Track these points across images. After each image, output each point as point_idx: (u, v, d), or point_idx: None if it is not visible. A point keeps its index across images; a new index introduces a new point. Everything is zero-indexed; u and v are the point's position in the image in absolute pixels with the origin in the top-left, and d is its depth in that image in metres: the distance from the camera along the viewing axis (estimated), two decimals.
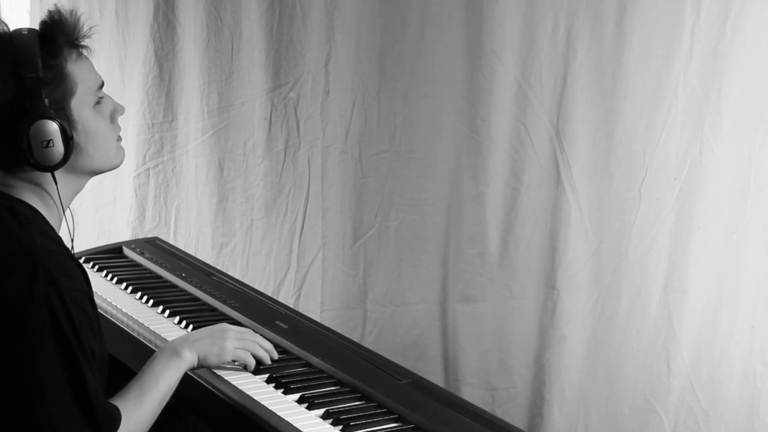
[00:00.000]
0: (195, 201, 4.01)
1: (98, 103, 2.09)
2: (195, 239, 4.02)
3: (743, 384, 3.17)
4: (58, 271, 1.91)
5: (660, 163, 3.27)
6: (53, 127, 1.97)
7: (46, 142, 1.96)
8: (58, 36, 2.03)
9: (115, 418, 1.98)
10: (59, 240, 2.02)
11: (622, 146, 3.33)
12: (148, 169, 3.99)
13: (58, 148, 1.98)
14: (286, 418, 2.11)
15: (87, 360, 1.92)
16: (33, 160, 1.97)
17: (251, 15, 3.85)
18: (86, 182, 2.14)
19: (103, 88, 2.13)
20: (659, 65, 3.23)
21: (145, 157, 3.99)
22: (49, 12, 2.06)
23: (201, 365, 2.24)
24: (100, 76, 2.12)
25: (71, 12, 2.07)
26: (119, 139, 2.15)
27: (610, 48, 3.32)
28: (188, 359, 2.20)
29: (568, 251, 3.47)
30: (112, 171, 2.19)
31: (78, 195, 2.16)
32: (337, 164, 3.86)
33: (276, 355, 2.38)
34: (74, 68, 2.04)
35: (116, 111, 2.13)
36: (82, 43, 2.08)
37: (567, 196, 3.45)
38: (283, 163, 3.91)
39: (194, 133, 3.97)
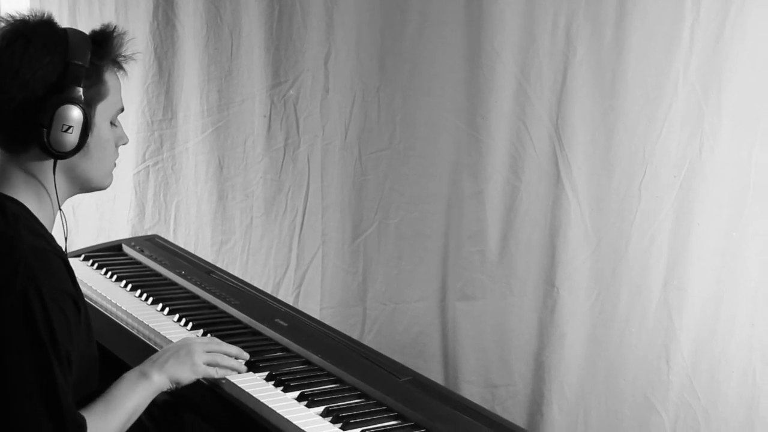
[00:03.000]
0: (195, 198, 4.01)
1: (114, 124, 2.14)
2: (195, 237, 4.03)
3: (743, 382, 3.17)
4: (41, 268, 1.90)
5: (659, 161, 3.27)
6: (78, 115, 2.00)
7: (66, 127, 1.98)
8: (108, 44, 2.09)
9: (82, 425, 1.95)
10: (48, 237, 2.02)
11: (621, 144, 3.33)
12: (148, 166, 4.00)
13: (74, 137, 2.00)
14: (285, 416, 2.11)
15: (60, 362, 1.90)
16: (47, 139, 1.98)
17: (251, 12, 3.85)
18: (74, 193, 2.14)
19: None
20: (659, 63, 3.23)
21: (144, 154, 3.99)
22: (104, 24, 2.12)
23: (176, 386, 2.21)
24: (122, 103, 2.16)
25: (123, 32, 2.13)
26: (114, 165, 2.18)
27: (609, 46, 3.32)
28: (157, 381, 2.17)
29: (567, 249, 3.47)
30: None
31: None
32: (337, 162, 3.86)
33: (246, 355, 2.35)
34: (110, 79, 2.10)
35: (121, 139, 2.17)
36: (124, 64, 2.14)
37: (567, 193, 3.45)
38: (283, 161, 3.91)
39: (194, 131, 3.97)
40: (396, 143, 3.76)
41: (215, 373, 2.27)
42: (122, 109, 2.16)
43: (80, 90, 2.00)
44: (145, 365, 2.20)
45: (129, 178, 4.00)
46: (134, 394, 2.13)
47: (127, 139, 2.20)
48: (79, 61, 2.00)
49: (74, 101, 1.99)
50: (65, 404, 1.90)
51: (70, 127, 1.99)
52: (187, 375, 2.22)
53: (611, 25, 3.31)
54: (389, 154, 3.78)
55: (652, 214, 3.30)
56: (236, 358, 2.33)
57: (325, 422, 2.12)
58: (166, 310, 2.64)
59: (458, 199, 3.69)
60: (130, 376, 2.16)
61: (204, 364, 2.25)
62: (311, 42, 3.81)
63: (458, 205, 3.69)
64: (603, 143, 3.37)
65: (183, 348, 2.25)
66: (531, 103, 3.49)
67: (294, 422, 2.09)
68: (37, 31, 2.01)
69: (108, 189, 2.41)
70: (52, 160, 2.03)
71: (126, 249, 3.10)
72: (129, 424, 2.12)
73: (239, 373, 2.31)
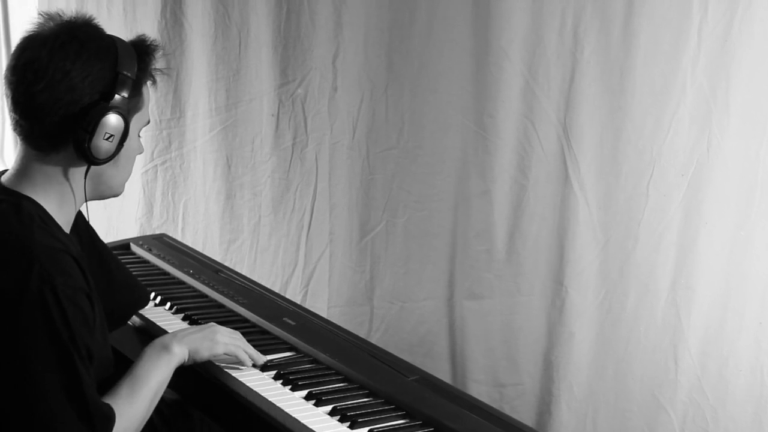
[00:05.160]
0: (203, 197, 4.02)
1: (139, 136, 2.16)
2: (203, 236, 4.03)
3: (751, 380, 3.17)
4: (55, 267, 1.91)
5: (667, 160, 3.27)
6: (121, 125, 2.01)
7: (108, 135, 1.99)
8: (148, 57, 2.10)
9: (110, 417, 1.97)
10: (61, 237, 2.02)
11: (629, 143, 3.33)
12: (156, 165, 4.00)
13: (112, 146, 2.02)
14: (293, 415, 2.11)
15: (81, 358, 1.91)
16: (88, 145, 1.98)
17: (259, 11, 3.85)
18: (92, 199, 2.14)
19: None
20: (667, 62, 3.23)
21: (153, 153, 3.99)
22: (141, 36, 2.12)
23: (192, 359, 2.23)
24: (149, 115, 2.18)
25: (160, 45, 2.15)
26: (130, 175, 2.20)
27: (617, 44, 3.32)
28: (178, 354, 2.19)
29: (575, 248, 3.47)
30: None
31: None
32: (345, 161, 3.86)
33: (262, 360, 2.36)
34: (146, 91, 2.11)
35: (139, 150, 2.19)
36: (157, 76, 2.15)
37: (574, 192, 3.45)
38: (291, 160, 3.91)
39: (202, 130, 3.97)
40: (404, 142, 3.77)
41: (235, 350, 2.29)
42: (148, 122, 2.18)
43: (125, 100, 2.01)
44: (165, 338, 2.22)
45: (137, 177, 4.00)
46: (157, 370, 2.15)
47: (143, 150, 2.22)
48: (128, 72, 2.01)
49: (119, 111, 2.00)
50: (90, 399, 1.91)
51: (111, 135, 1.99)
52: (207, 348, 2.25)
53: (619, 23, 3.30)
54: (397, 153, 3.78)
55: (660, 213, 3.30)
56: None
57: (333, 421, 2.12)
58: (174, 308, 2.64)
59: (466, 197, 3.69)
60: (151, 351, 2.18)
61: (224, 342, 2.28)
62: (319, 41, 3.81)
63: (466, 203, 3.69)
64: (611, 142, 3.37)
65: (208, 327, 2.30)
66: (539, 101, 3.49)
67: (302, 421, 2.10)
68: (89, 36, 2.01)
69: None
70: (82, 164, 2.03)
71: (134, 248, 3.11)
72: (156, 401, 2.14)
73: (258, 363, 2.33)
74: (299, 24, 3.82)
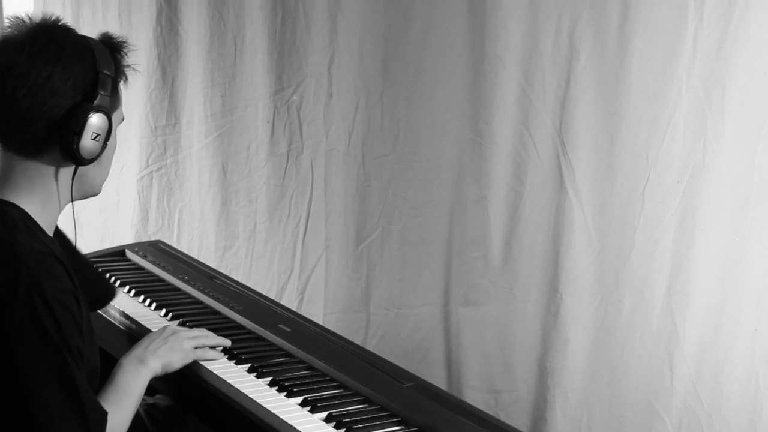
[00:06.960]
0: (198, 204, 4.01)
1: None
2: (198, 242, 4.02)
3: (746, 387, 3.17)
4: (42, 271, 1.91)
5: (663, 166, 3.27)
6: (105, 124, 2.02)
7: (95, 135, 2.00)
8: (122, 54, 2.11)
9: (104, 416, 1.98)
10: (45, 241, 2.02)
11: (625, 149, 3.33)
12: (152, 172, 4.00)
13: (98, 145, 2.02)
14: (289, 422, 2.11)
15: (74, 359, 1.92)
16: (76, 146, 1.98)
17: (254, 18, 3.85)
18: (76, 200, 2.14)
19: None
20: (662, 68, 3.23)
21: (148, 160, 3.99)
22: (106, 33, 2.12)
23: (165, 371, 2.26)
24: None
25: (126, 40, 2.15)
26: None
27: (612, 51, 3.32)
28: (154, 367, 2.23)
29: (571, 254, 3.47)
30: (116, 173, 2.20)
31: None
32: (340, 167, 3.86)
33: (227, 342, 2.42)
34: (121, 89, 2.12)
35: (115, 146, 2.17)
36: (127, 73, 2.15)
37: (570, 199, 3.45)
38: (286, 166, 3.91)
39: (197, 137, 3.97)
40: (399, 148, 3.77)
41: (203, 354, 2.34)
42: (123, 119, 2.17)
43: (107, 99, 2.02)
44: (138, 352, 2.25)
45: (132, 184, 3.99)
46: (138, 382, 2.19)
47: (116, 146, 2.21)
48: (107, 71, 2.02)
49: (103, 110, 2.00)
50: (86, 400, 1.93)
51: (98, 135, 2.00)
52: (179, 360, 2.29)
53: (614, 30, 3.31)
54: (392, 160, 3.78)
55: (656, 220, 3.30)
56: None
57: (329, 428, 2.12)
58: (170, 315, 2.64)
59: (461, 204, 3.69)
60: (129, 365, 2.21)
61: (192, 348, 2.32)
62: (314, 47, 3.81)
63: (461, 210, 3.69)
64: (606, 148, 3.37)
65: (170, 334, 2.32)
66: (534, 108, 3.49)
67: (297, 428, 2.09)
68: (66, 38, 2.01)
69: (112, 194, 2.44)
70: (66, 166, 2.03)
71: (129, 254, 3.10)
72: (135, 411, 2.16)
73: (227, 345, 2.40)
74: (295, 30, 3.82)
